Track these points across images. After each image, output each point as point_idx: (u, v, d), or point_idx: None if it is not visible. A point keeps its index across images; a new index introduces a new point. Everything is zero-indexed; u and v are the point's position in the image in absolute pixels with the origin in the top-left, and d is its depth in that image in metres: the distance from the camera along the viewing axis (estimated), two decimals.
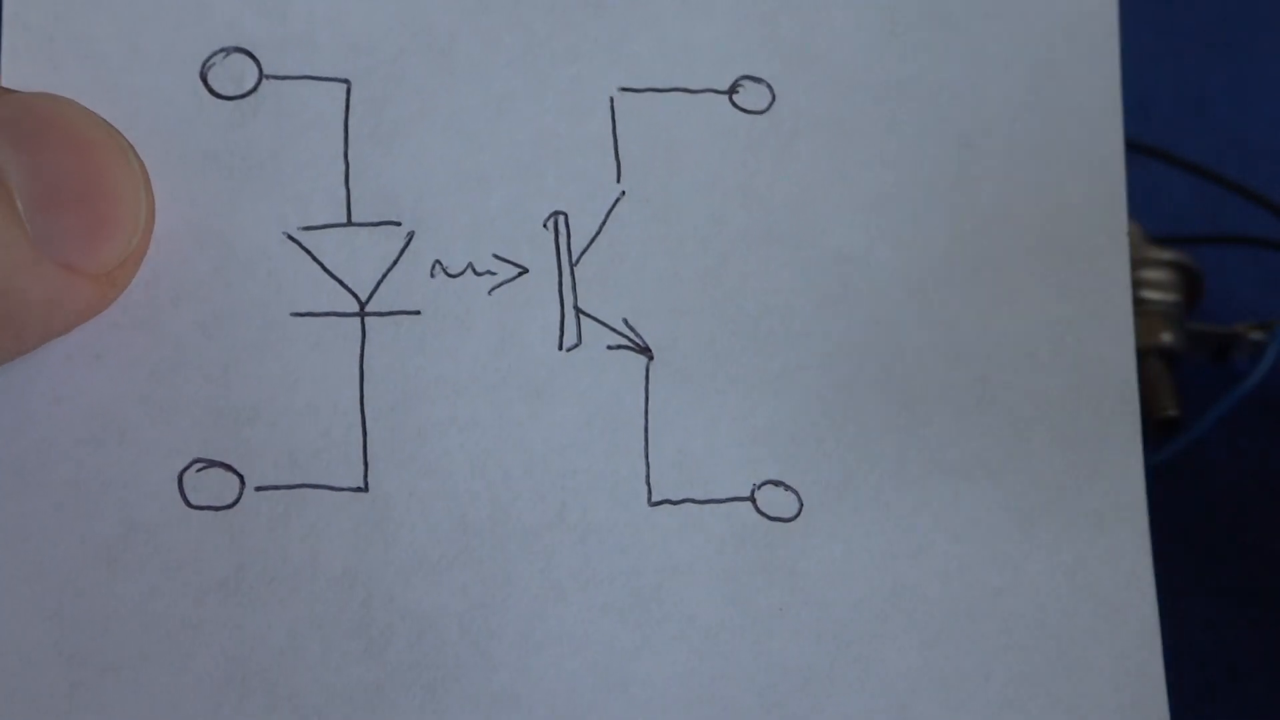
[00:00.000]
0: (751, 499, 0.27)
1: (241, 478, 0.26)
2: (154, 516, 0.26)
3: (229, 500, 0.26)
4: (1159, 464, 0.41)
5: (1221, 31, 0.60)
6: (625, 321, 0.27)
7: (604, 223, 0.27)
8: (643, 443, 0.27)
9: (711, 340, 0.27)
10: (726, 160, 0.28)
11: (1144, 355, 0.42)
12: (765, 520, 0.27)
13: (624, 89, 0.28)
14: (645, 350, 0.27)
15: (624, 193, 0.27)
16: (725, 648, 0.27)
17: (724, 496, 0.27)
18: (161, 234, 0.26)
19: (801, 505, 0.27)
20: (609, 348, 0.27)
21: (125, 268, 0.26)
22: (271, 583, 0.26)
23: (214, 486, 0.26)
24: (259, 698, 0.25)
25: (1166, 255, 0.43)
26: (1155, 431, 0.42)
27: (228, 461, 0.26)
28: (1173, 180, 0.50)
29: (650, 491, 0.27)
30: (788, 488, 0.27)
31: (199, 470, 0.26)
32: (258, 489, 0.26)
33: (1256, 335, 0.43)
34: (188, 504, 0.26)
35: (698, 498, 0.27)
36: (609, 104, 0.28)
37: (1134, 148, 0.48)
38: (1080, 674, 0.27)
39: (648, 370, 0.27)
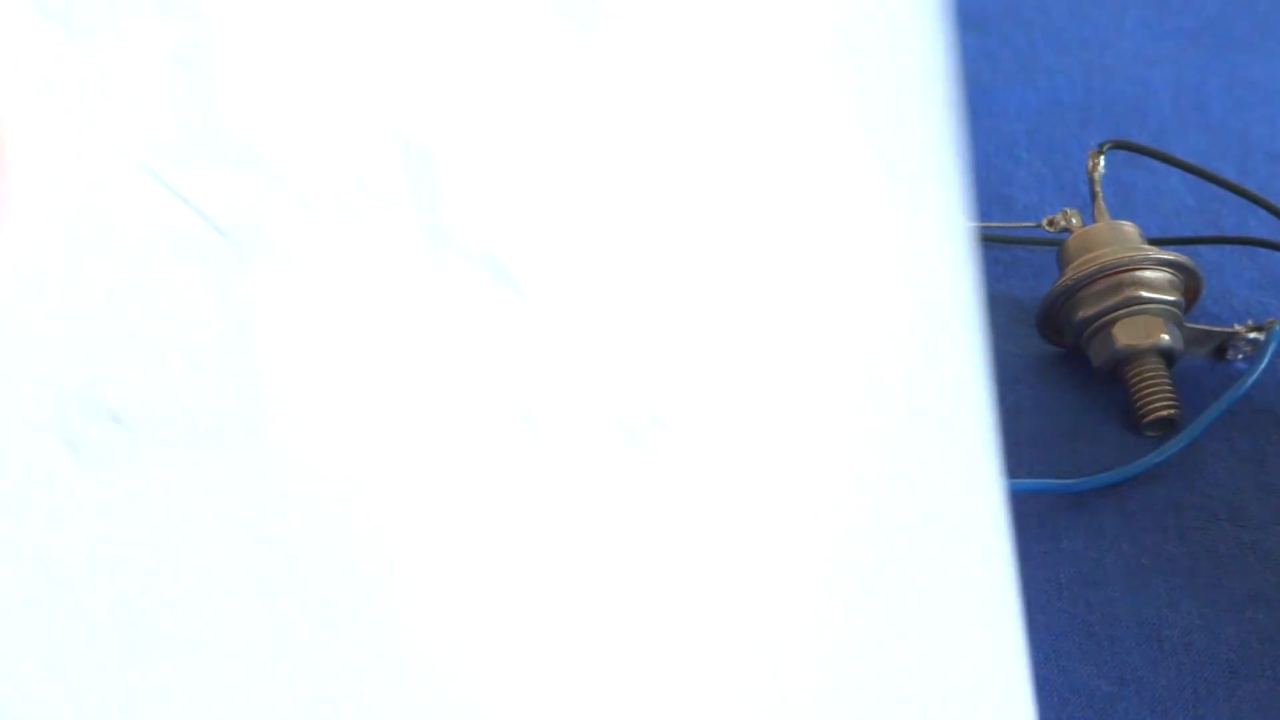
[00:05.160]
0: (624, 430, 0.27)
1: (128, 428, 0.25)
2: (41, 469, 0.25)
3: (117, 450, 0.25)
4: (1157, 464, 0.41)
5: (1221, 31, 0.60)
6: (488, 253, 0.27)
7: (467, 154, 0.27)
8: (515, 376, 0.27)
9: (580, 272, 0.27)
10: (584, 94, 0.28)
11: (1143, 355, 0.42)
12: (636, 451, 0.27)
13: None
14: (511, 281, 0.27)
15: (488, 123, 0.27)
16: (603, 578, 0.27)
17: (596, 429, 0.27)
18: (16, 172, 0.25)
19: (672, 437, 0.27)
20: (473, 279, 0.27)
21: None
22: (165, 533, 0.25)
23: (101, 437, 0.25)
24: (154, 649, 0.25)
25: (1165, 255, 0.43)
26: (1154, 430, 0.42)
27: (114, 411, 0.25)
28: (1172, 180, 0.50)
29: (528, 424, 0.27)
30: (660, 421, 0.27)
31: (85, 421, 0.25)
32: (145, 440, 0.25)
33: (1254, 335, 0.44)
34: (76, 455, 0.25)
35: (571, 430, 0.27)
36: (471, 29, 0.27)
37: (1134, 148, 0.48)
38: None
39: (515, 302, 0.27)
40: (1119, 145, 0.48)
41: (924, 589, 0.27)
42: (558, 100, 0.28)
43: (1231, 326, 0.44)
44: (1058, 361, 0.45)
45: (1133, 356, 0.42)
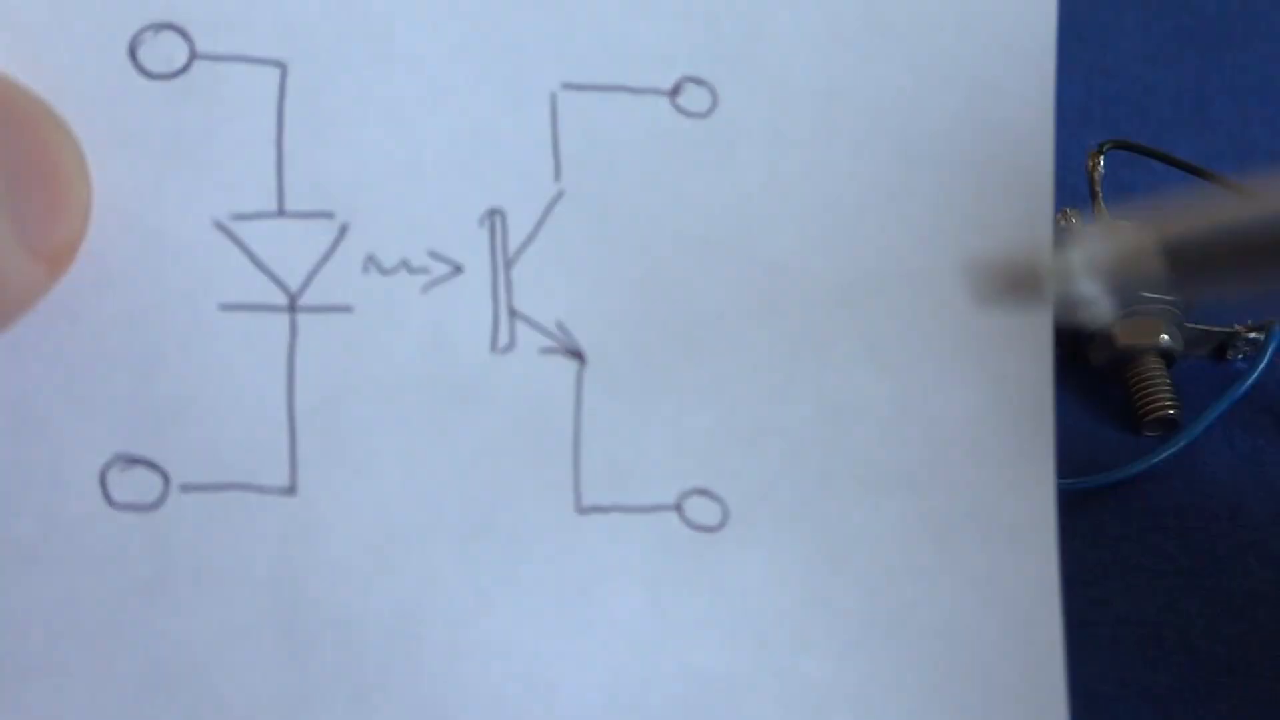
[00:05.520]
0: (677, 508, 0.27)
1: (166, 476, 0.25)
2: (75, 515, 0.25)
3: (153, 499, 0.25)
4: (1157, 463, 0.41)
5: (1220, 32, 0.60)
6: (559, 324, 0.27)
7: (541, 222, 0.27)
8: (572, 448, 0.27)
9: (644, 346, 0.27)
10: (666, 163, 0.27)
11: (1143, 355, 0.42)
12: (690, 529, 0.27)
13: (566, 85, 0.27)
14: (578, 354, 0.27)
15: (562, 192, 0.27)
16: (648, 655, 0.26)
17: (651, 504, 0.27)
18: (88, 213, 0.25)
19: (726, 514, 0.27)
20: (541, 351, 0.27)
21: (71, 250, 0.25)
22: (196, 585, 0.25)
23: (138, 484, 0.25)
24: (181, 703, 0.25)
25: None
26: (1154, 430, 0.42)
27: (152, 459, 0.25)
28: (1172, 180, 0.50)
29: (579, 498, 0.27)
30: (713, 497, 0.27)
31: (122, 468, 0.25)
32: (182, 488, 0.25)
33: (1254, 335, 0.44)
34: (110, 502, 0.25)
35: (625, 505, 0.27)
36: (550, 100, 0.27)
37: (1134, 148, 0.48)
38: (986, 686, 0.27)
39: (580, 375, 0.27)
40: (1119, 145, 0.48)
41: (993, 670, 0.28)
42: (636, 174, 0.27)
43: (1231, 326, 0.44)
44: (1058, 362, 0.45)
45: (1133, 356, 0.42)
